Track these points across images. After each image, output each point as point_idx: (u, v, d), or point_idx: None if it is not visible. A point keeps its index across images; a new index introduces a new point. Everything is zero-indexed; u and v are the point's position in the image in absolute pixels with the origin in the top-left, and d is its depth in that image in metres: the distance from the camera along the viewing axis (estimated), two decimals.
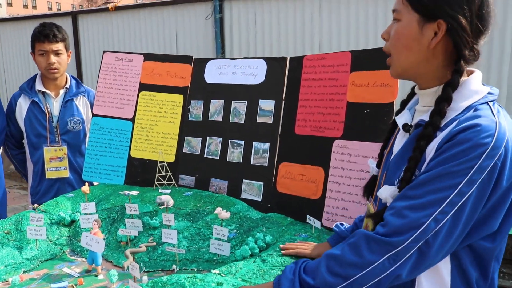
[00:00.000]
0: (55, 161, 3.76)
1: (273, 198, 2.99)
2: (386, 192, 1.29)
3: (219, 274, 2.15)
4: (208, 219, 2.80)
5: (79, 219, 2.90)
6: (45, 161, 3.70)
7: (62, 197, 3.21)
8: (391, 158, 1.41)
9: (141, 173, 3.55)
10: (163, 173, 3.22)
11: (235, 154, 3.12)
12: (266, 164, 2.84)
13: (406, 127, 1.38)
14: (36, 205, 2.83)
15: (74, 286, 2.27)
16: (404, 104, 1.51)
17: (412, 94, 1.50)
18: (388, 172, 1.40)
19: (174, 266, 2.46)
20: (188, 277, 2.11)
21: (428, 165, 1.21)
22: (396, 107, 1.69)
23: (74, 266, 2.52)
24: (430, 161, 1.21)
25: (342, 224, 2.17)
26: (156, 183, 3.23)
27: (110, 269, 2.48)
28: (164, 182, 3.23)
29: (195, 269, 2.49)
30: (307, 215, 2.59)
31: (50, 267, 2.50)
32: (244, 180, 3.13)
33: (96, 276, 2.39)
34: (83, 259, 2.63)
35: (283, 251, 2.21)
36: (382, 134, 1.70)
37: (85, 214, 2.74)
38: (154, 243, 2.48)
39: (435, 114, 1.21)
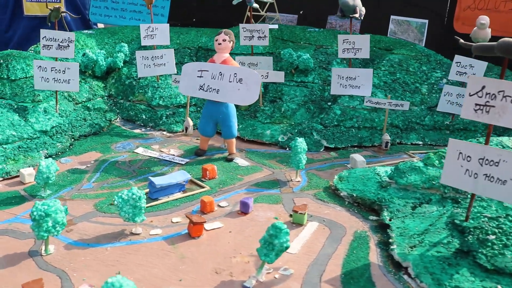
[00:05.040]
0: None
1: (446, 42, 1.81)
2: None
3: None
4: None
5: (121, 60, 1.50)
6: None
7: (76, 33, 1.73)
8: None
9: (197, 8, 2.12)
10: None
11: None
12: None
13: None
14: None
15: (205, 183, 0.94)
16: None
17: None
18: None
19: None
20: None
21: None
22: None
23: (157, 144, 1.18)
24: None
25: None
26: (248, 13, 1.82)
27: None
28: (263, 12, 1.83)
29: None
30: None
31: (105, 149, 1.15)
32: (392, 17, 1.88)
33: (231, 160, 1.08)
34: (165, 132, 1.29)
35: None
36: None
37: (150, 36, 1.35)
38: None
39: None
